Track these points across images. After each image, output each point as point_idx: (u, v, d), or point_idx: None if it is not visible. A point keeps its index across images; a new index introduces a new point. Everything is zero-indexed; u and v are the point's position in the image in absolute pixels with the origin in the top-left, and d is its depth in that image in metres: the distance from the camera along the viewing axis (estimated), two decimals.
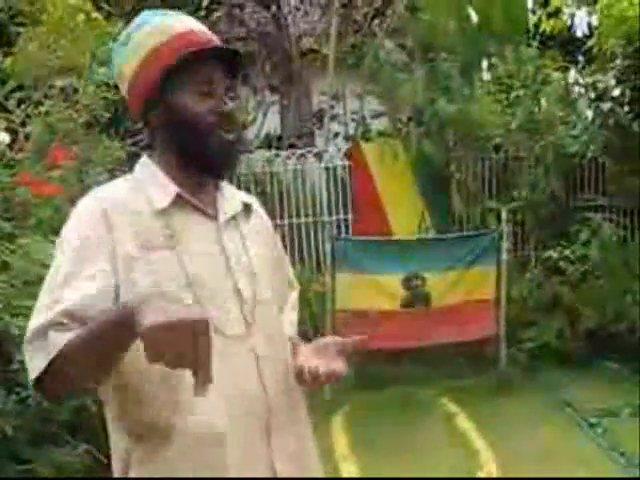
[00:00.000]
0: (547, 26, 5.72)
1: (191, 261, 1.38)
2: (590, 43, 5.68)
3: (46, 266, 2.76)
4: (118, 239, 1.33)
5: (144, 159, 1.47)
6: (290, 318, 1.64)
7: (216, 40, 1.45)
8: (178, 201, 1.41)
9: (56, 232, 3.04)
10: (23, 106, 4.02)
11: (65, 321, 1.26)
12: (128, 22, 1.49)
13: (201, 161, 1.42)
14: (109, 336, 1.21)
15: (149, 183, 1.42)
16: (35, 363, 1.27)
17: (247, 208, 1.54)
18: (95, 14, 4.52)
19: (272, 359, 1.43)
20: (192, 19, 1.48)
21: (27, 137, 3.92)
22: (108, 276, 1.31)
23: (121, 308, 1.23)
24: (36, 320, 1.29)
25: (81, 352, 1.24)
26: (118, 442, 1.38)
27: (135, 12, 1.53)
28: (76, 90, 4.16)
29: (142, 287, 1.32)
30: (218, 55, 1.43)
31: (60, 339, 1.24)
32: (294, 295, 1.70)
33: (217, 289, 1.39)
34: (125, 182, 1.45)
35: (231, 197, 1.52)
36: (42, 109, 4.04)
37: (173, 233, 1.38)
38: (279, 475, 1.40)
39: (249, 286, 1.44)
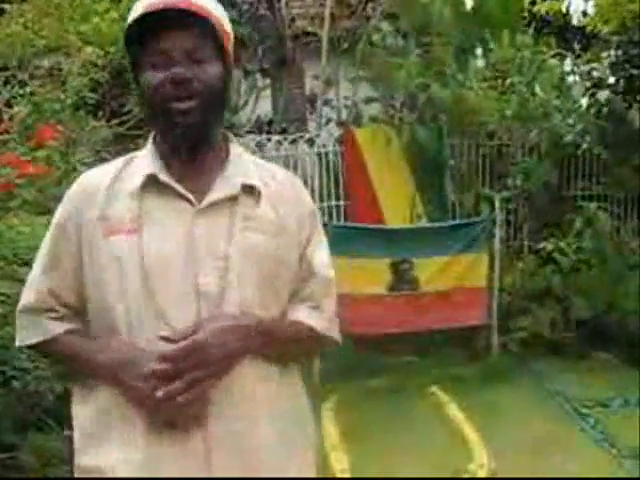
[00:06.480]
0: (542, 8, 5.66)
1: (150, 247, 1.29)
2: (584, 22, 5.63)
3: (31, 248, 2.71)
4: (88, 221, 1.34)
5: (150, 137, 1.43)
6: (299, 314, 1.40)
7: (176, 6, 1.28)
8: (153, 182, 1.34)
9: (41, 213, 2.99)
10: (8, 86, 3.94)
11: (57, 307, 1.38)
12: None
13: (164, 137, 1.36)
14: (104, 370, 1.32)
15: (135, 163, 1.39)
16: (24, 334, 1.41)
17: (252, 190, 1.36)
18: None
19: None
20: None
21: (11, 118, 3.83)
22: (77, 259, 1.36)
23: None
24: (28, 294, 1.40)
25: (70, 355, 1.39)
26: None
27: None
28: (61, 70, 4.06)
29: (107, 273, 1.32)
30: (175, 22, 1.29)
31: (53, 327, 1.38)
32: (312, 286, 1.42)
33: (173, 281, 1.28)
34: (117, 163, 1.42)
35: (234, 177, 1.36)
36: (28, 90, 3.95)
37: (139, 216, 1.31)
38: (213, 465, 1.27)
39: (218, 281, 1.29)
